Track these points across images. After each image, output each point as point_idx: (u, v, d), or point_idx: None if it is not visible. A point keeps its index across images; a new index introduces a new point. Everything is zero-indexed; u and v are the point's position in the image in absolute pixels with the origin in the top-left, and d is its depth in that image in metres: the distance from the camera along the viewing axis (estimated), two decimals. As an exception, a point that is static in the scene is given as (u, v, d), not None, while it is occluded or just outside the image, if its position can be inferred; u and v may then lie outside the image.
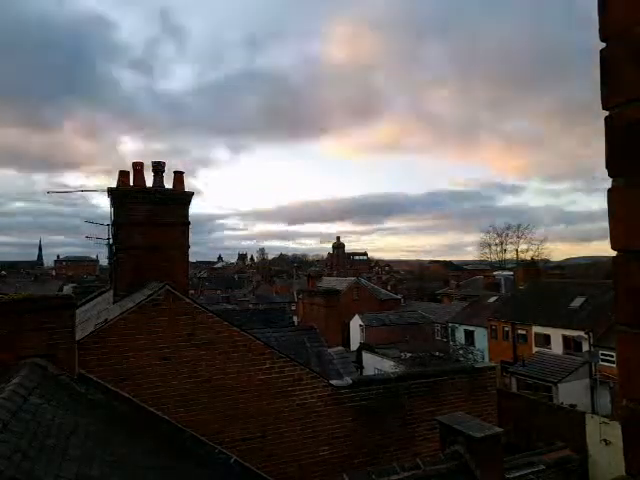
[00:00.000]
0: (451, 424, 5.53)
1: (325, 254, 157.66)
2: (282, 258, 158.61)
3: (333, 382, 7.15)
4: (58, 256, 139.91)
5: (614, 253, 1.11)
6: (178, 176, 8.23)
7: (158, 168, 8.15)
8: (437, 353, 26.18)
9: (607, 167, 1.13)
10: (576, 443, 12.13)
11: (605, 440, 12.36)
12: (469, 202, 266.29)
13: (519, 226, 64.71)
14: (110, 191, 7.89)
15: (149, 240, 7.74)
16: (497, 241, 66.67)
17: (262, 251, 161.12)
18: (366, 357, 30.67)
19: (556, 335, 28.77)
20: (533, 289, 34.27)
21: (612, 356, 23.82)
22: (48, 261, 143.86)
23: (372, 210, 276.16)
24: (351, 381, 7.23)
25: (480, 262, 77.32)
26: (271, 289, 79.77)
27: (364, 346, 33.48)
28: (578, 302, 29.34)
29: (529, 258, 59.45)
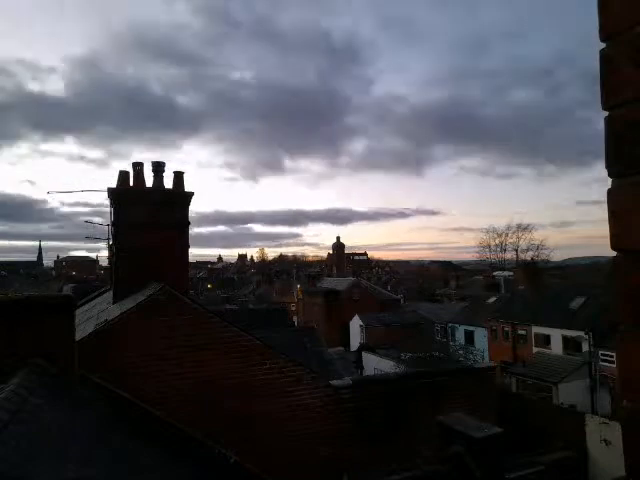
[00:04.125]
0: (451, 424, 5.53)
1: (324, 254, 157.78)
2: (282, 258, 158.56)
3: (333, 382, 7.15)
4: (58, 256, 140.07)
5: (614, 253, 1.11)
6: (178, 176, 8.23)
7: (158, 169, 8.15)
8: (437, 353, 26.14)
9: (607, 167, 1.13)
10: (576, 443, 12.12)
11: (605, 440, 12.34)
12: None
13: (519, 226, 64.67)
14: (110, 191, 7.89)
15: (149, 240, 7.74)
16: (497, 241, 66.64)
17: (262, 251, 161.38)
18: (366, 357, 30.64)
19: (556, 335, 28.76)
20: (533, 289, 34.25)
21: (612, 356, 23.82)
22: (48, 261, 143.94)
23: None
24: (351, 381, 7.23)
25: (480, 262, 77.21)
26: (271, 289, 79.73)
27: (364, 346, 33.44)
28: (578, 302, 29.33)
29: (529, 258, 59.44)
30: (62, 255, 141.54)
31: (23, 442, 3.19)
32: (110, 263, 15.36)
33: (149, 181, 8.18)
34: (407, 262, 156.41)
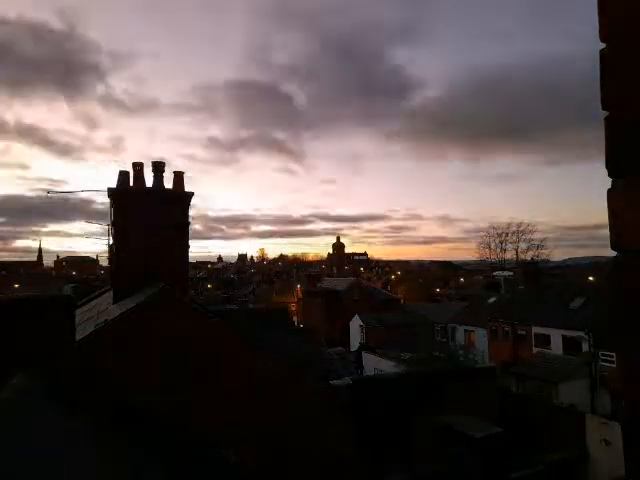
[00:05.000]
0: (452, 424, 5.53)
1: (324, 254, 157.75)
2: (282, 258, 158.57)
3: (333, 382, 7.15)
4: (58, 256, 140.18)
5: (614, 253, 1.11)
6: (178, 176, 8.23)
7: (158, 168, 8.15)
8: (437, 353, 26.15)
9: (607, 167, 1.13)
10: (576, 443, 12.12)
11: (605, 440, 12.34)
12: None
13: (519, 226, 64.60)
14: (110, 191, 7.89)
15: (149, 240, 7.74)
16: (497, 241, 66.56)
17: (262, 251, 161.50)
18: (366, 357, 30.64)
19: (556, 335, 28.77)
20: (533, 289, 34.26)
21: (612, 356, 23.83)
22: (48, 261, 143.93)
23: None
24: (351, 381, 7.23)
25: (480, 262, 77.20)
26: (271, 289, 79.70)
27: (364, 346, 33.46)
28: (578, 302, 29.35)
29: (529, 258, 59.45)
30: (62, 255, 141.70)
31: (22, 444, 3.19)
32: (110, 263, 15.34)
33: (149, 181, 8.19)
34: (407, 262, 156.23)
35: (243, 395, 6.55)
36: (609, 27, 1.10)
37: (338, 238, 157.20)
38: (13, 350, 4.97)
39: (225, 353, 6.54)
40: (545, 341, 29.61)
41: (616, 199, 1.10)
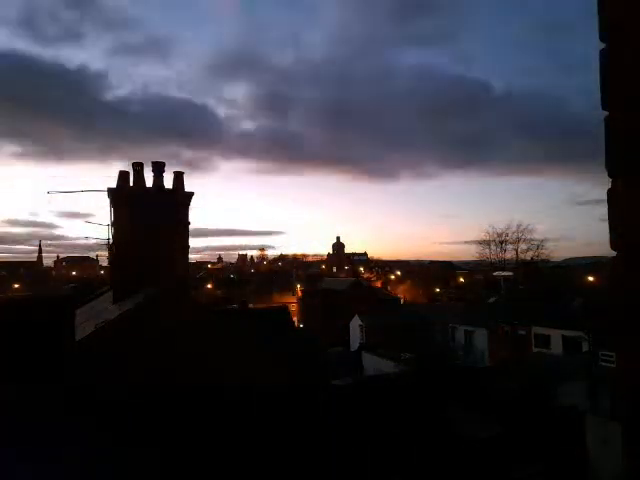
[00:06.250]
0: (452, 424, 5.53)
1: (324, 254, 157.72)
2: (282, 258, 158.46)
3: (333, 382, 7.16)
4: (58, 256, 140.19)
5: (614, 253, 1.11)
6: (178, 176, 8.23)
7: (158, 169, 8.15)
8: (437, 353, 26.14)
9: (607, 167, 1.13)
10: (576, 443, 12.12)
11: (605, 440, 12.34)
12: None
13: (519, 226, 64.41)
14: (110, 191, 7.89)
15: (149, 240, 7.74)
16: (497, 241, 66.33)
17: (262, 251, 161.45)
18: (366, 357, 30.60)
19: (556, 335, 28.78)
20: (533, 289, 34.27)
21: (612, 356, 23.82)
22: (48, 261, 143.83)
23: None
24: (351, 381, 7.24)
25: (480, 262, 77.05)
26: (271, 289, 79.63)
27: (364, 346, 33.44)
28: (578, 302, 29.38)
29: (529, 258, 59.34)
30: (62, 255, 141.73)
31: (25, 442, 3.19)
32: (110, 263, 15.32)
33: (149, 181, 8.19)
34: (407, 262, 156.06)
35: (244, 394, 6.55)
36: (609, 27, 1.10)
37: (338, 238, 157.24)
38: (14, 349, 4.97)
39: (225, 353, 6.54)
40: (545, 341, 29.62)
41: (616, 199, 1.10)
